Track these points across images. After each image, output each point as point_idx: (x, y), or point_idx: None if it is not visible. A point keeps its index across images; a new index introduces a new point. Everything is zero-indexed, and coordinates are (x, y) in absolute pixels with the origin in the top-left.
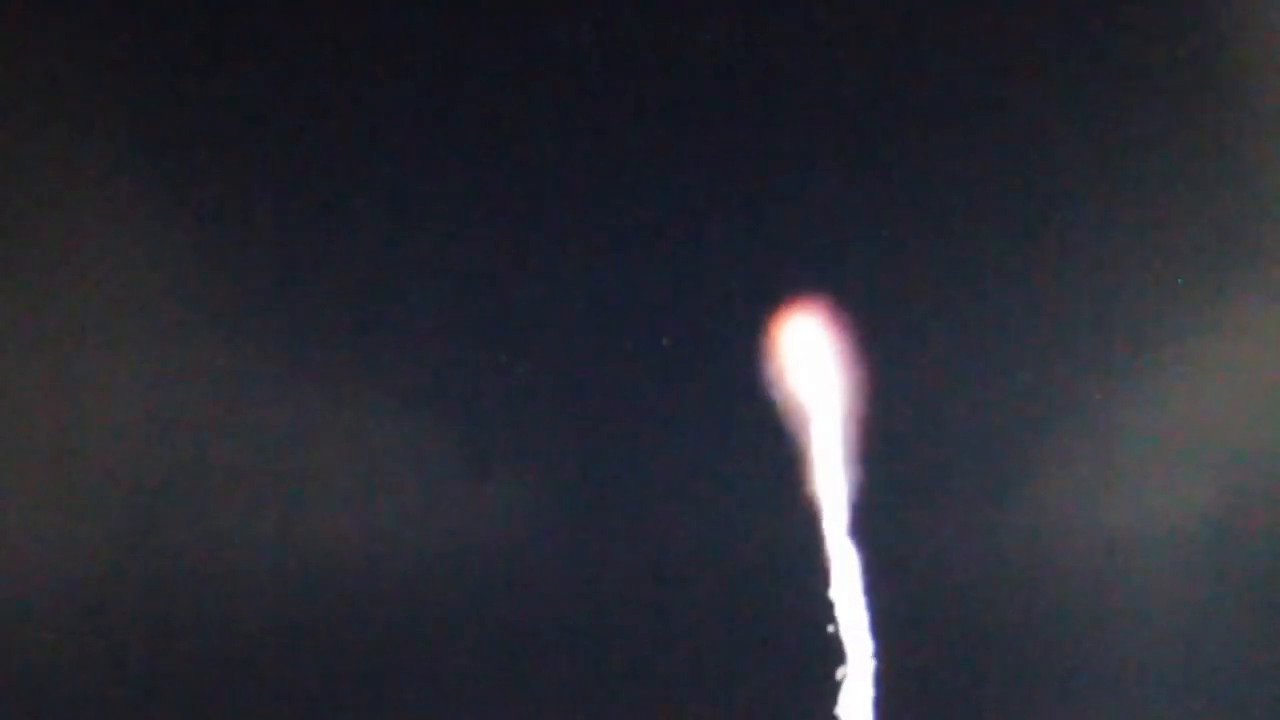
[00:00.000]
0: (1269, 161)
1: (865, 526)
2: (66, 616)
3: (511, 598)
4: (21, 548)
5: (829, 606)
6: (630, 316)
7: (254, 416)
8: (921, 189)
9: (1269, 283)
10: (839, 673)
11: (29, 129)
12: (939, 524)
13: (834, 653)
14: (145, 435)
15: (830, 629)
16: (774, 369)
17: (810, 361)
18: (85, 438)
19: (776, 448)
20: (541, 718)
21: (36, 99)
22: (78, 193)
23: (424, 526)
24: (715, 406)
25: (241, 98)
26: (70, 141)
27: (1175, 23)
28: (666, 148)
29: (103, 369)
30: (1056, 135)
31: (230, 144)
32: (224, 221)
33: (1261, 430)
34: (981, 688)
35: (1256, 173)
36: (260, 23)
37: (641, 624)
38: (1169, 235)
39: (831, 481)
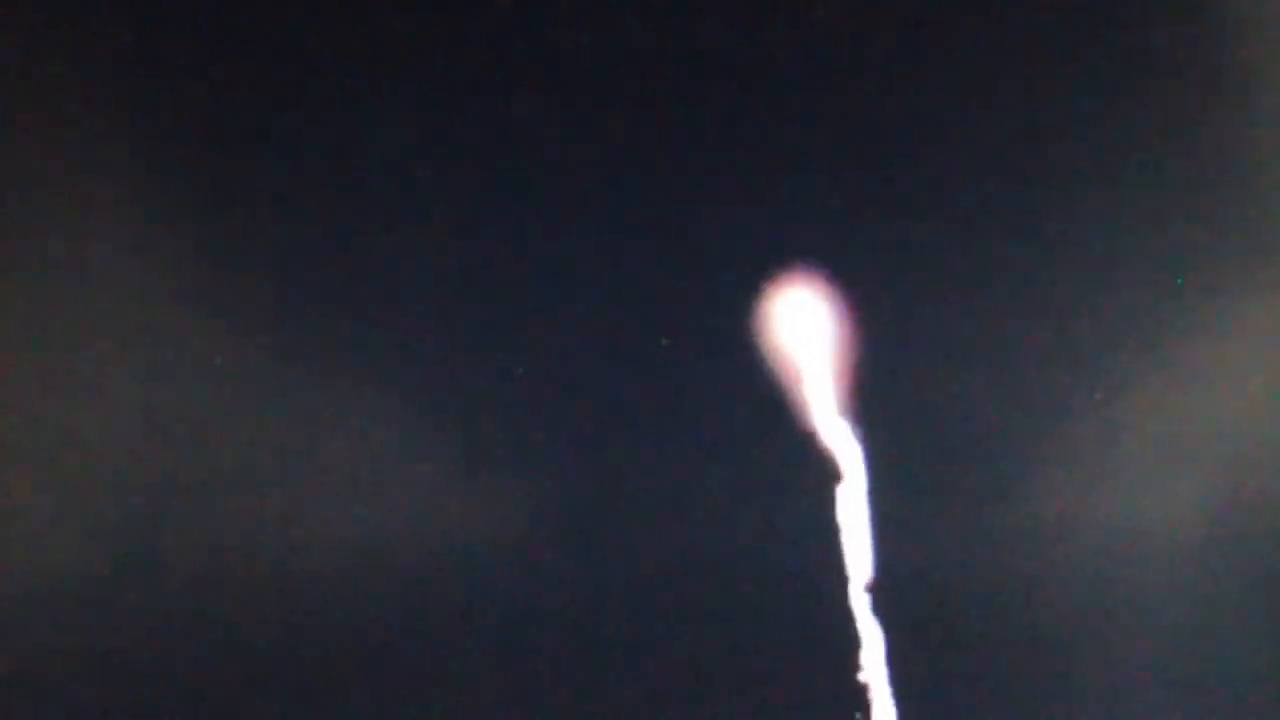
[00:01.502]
0: (1269, 161)
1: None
2: (66, 616)
3: (512, 598)
4: (21, 547)
5: (829, 607)
6: (630, 316)
7: (254, 416)
8: (921, 189)
9: (1269, 283)
10: (839, 673)
11: (29, 128)
12: (938, 524)
13: (833, 653)
14: (145, 435)
15: (830, 629)
16: (775, 369)
17: (811, 362)
18: (85, 437)
19: (777, 448)
20: (541, 717)
21: (36, 98)
22: (77, 192)
23: (424, 526)
24: (715, 406)
25: (242, 97)
26: (69, 140)
27: (1175, 22)
28: (667, 148)
29: (103, 369)
30: (1056, 134)
31: (230, 143)
32: (224, 221)
33: (1261, 430)
34: (981, 687)
35: (1256, 173)
36: (259, 22)
37: (642, 624)
38: (1169, 235)
39: (831, 482)
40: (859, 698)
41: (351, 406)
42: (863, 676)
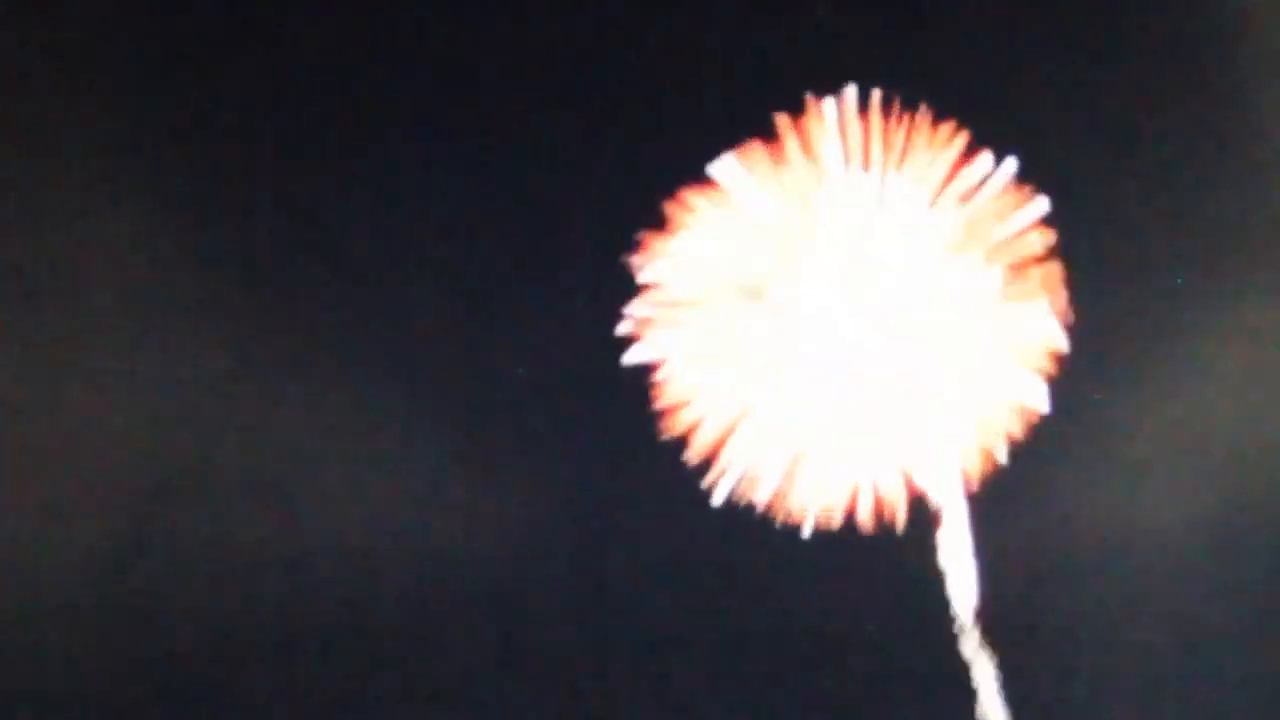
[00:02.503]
0: (1269, 161)
1: (866, 527)
2: (66, 615)
3: (511, 598)
4: (22, 547)
5: (828, 607)
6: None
7: (254, 417)
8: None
9: (1269, 283)
10: (838, 673)
11: (30, 129)
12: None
13: (833, 652)
14: (145, 435)
15: (829, 629)
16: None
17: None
18: (86, 438)
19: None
20: (542, 717)
21: (37, 99)
22: (79, 194)
23: (424, 527)
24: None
25: (243, 99)
26: (71, 142)
27: (1175, 22)
28: (667, 151)
29: (103, 369)
30: (1055, 135)
31: (231, 146)
32: (226, 224)
33: (1262, 430)
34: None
35: (1256, 173)
36: (258, 24)
37: (642, 624)
38: (1169, 235)
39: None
40: (857, 698)
41: (352, 408)
42: (861, 678)
